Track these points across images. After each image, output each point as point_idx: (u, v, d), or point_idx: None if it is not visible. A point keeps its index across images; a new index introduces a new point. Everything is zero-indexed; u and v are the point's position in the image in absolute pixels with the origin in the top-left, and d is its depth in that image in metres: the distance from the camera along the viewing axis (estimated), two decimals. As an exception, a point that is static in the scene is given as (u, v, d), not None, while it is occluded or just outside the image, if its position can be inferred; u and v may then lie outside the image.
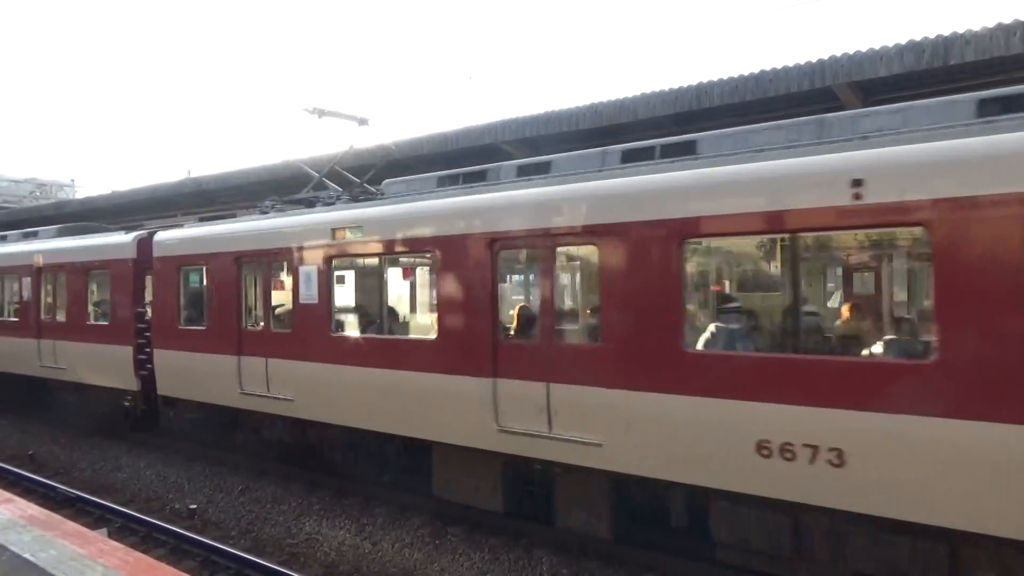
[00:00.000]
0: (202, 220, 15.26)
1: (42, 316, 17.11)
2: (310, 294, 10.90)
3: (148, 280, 14.79)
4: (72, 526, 6.66)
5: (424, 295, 11.96)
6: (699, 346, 7.63)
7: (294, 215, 11.82)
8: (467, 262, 9.09)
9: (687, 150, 8.08)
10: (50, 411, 17.49)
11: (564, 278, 9.61)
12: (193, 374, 13.00)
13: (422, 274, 12.11)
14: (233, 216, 16.34)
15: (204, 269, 12.97)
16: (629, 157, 8.54)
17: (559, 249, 8.64)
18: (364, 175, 13.07)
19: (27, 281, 17.50)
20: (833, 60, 10.32)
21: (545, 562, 8.85)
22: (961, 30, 9.43)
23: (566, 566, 8.73)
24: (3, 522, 6.38)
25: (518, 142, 14.04)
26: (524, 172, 9.51)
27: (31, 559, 5.38)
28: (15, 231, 20.18)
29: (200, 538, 9.93)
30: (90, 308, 16.04)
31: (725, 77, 11.33)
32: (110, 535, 8.01)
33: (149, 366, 14.08)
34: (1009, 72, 9.41)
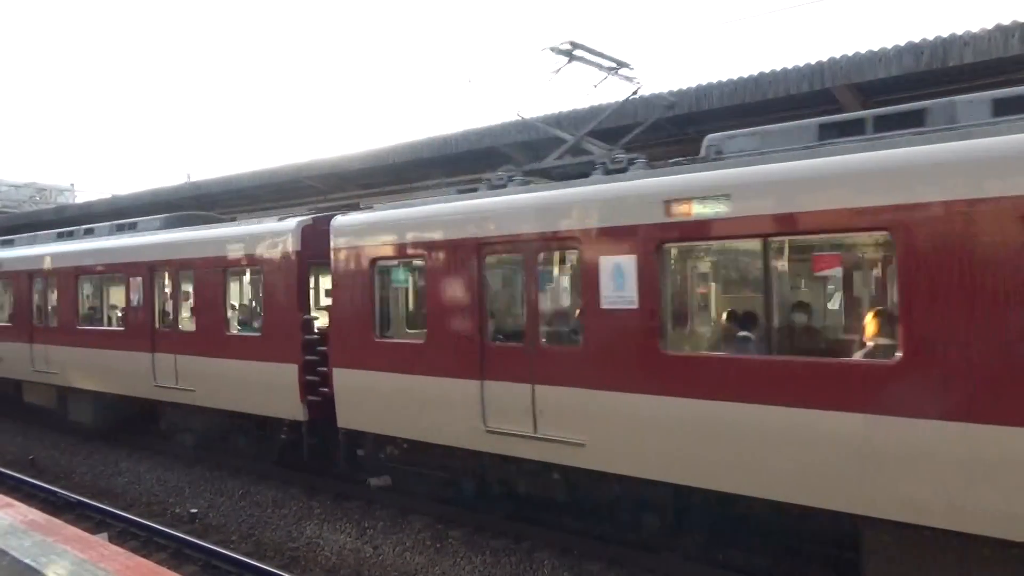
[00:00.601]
0: (386, 200, 11.84)
1: (157, 325, 14.00)
2: (622, 295, 7.88)
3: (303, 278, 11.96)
4: (73, 531, 6.64)
5: (868, 293, 8.00)
6: None
7: (567, 187, 8.71)
8: (974, 243, 5.94)
9: None
10: (52, 416, 17.40)
11: None
12: (402, 403, 9.95)
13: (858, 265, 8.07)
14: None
15: (419, 262, 10.03)
16: None
17: None
18: (615, 138, 10.39)
19: (136, 282, 14.28)
20: (832, 62, 10.32)
21: (547, 565, 8.85)
22: (960, 31, 9.44)
23: (568, 569, 8.73)
24: (3, 527, 6.36)
25: (517, 145, 14.05)
26: (1007, 108, 6.58)
27: (32, 564, 5.36)
28: (104, 223, 16.90)
29: (201, 542, 9.94)
30: (230, 315, 12.97)
31: (724, 79, 11.34)
32: (111, 540, 7.98)
33: (323, 390, 11.04)
34: (1008, 73, 9.41)
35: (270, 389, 11.73)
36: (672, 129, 12.51)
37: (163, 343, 13.72)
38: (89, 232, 16.81)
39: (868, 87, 10.44)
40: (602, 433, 8.04)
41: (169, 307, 13.90)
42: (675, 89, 11.79)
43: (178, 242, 13.80)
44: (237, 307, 13.47)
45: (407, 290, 10.86)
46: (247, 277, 13.38)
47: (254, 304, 13.20)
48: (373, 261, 10.38)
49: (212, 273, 12.85)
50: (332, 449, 11.42)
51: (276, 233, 11.96)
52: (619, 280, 7.92)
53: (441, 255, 9.55)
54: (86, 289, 16.31)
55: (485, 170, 15.17)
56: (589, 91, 11.34)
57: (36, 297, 17.27)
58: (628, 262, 7.83)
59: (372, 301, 10.38)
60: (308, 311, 11.72)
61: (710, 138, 8.38)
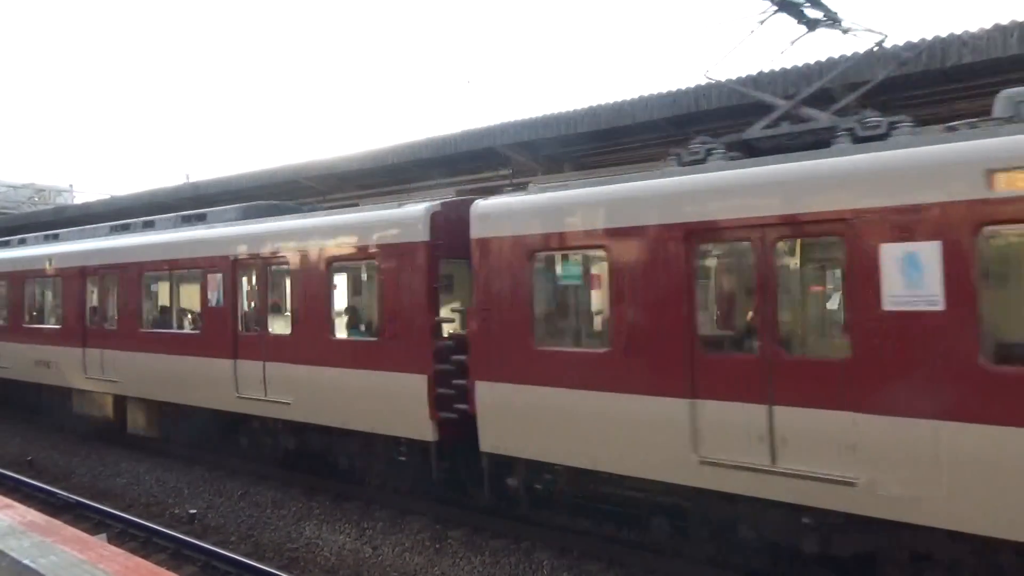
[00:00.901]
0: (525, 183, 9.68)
1: (241, 327, 12.32)
2: (918, 294, 6.23)
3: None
4: (72, 531, 6.64)
5: None
6: None
7: (819, 158, 6.94)
8: None
9: None
10: (49, 416, 17.34)
11: None
12: (572, 425, 8.32)
13: None
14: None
15: (598, 254, 8.38)
16: None
17: None
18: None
19: (216, 280, 12.53)
20: (831, 62, 10.33)
21: (546, 565, 8.85)
22: (959, 31, 9.45)
23: (567, 569, 8.73)
24: (2, 528, 6.36)
25: (517, 145, 14.09)
26: None
27: (31, 565, 5.35)
28: (165, 215, 15.31)
29: (200, 543, 9.93)
30: (334, 316, 11.23)
31: (723, 79, 11.34)
32: (110, 540, 7.99)
33: (459, 406, 9.45)
34: (1006, 73, 9.42)
35: (389, 403, 10.09)
36: (671, 129, 12.53)
37: (248, 348, 11.99)
38: (149, 225, 15.17)
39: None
40: (887, 469, 6.29)
41: (256, 307, 12.28)
42: (674, 89, 11.81)
43: (269, 233, 11.97)
44: (346, 308, 11.78)
45: (580, 288, 9.17)
46: (360, 273, 11.79)
47: (368, 304, 11.54)
48: (531, 253, 8.72)
49: (314, 268, 11.09)
50: (465, 475, 10.12)
51: (399, 221, 10.20)
52: (913, 273, 6.23)
53: (632, 245, 7.82)
54: (152, 287, 14.65)
55: (484, 171, 15.30)
56: (785, 50, 9.74)
57: (90, 297, 15.66)
58: (928, 251, 6.13)
59: (530, 301, 8.73)
60: (439, 312, 10.03)
61: (1011, 94, 6.66)
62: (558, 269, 9.13)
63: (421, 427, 9.80)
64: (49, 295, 17.51)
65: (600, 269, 8.47)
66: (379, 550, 9.67)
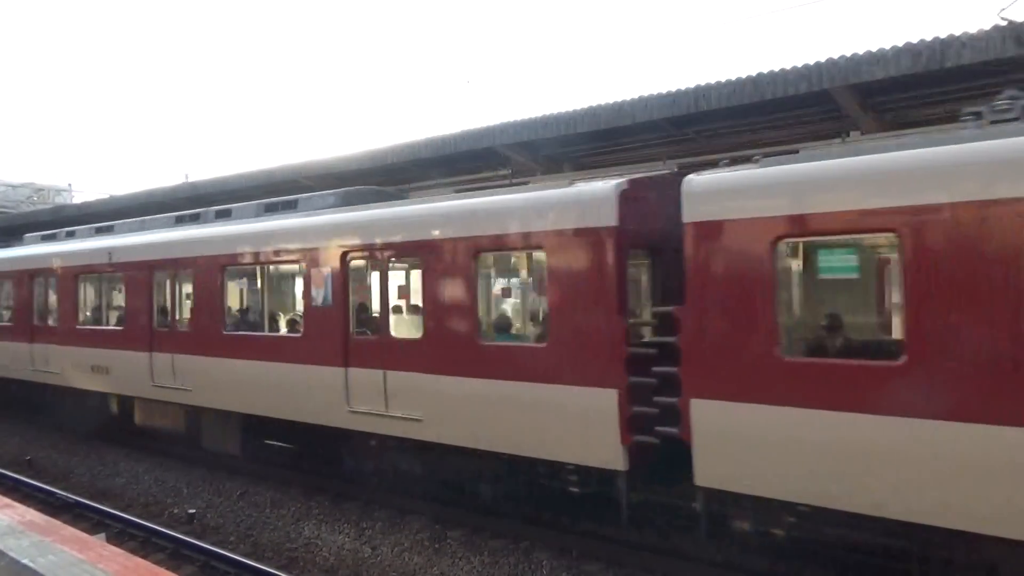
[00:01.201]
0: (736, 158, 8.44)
1: (353, 329, 10.72)
2: None
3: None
4: (71, 531, 6.65)
5: None
6: None
7: None
8: None
9: None
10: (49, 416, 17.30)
11: None
12: (838, 457, 6.54)
13: None
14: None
15: (887, 240, 6.80)
16: None
17: None
18: None
19: (322, 275, 10.84)
20: (831, 63, 10.33)
21: (545, 565, 8.86)
22: (958, 32, 9.46)
23: (566, 569, 8.74)
24: (2, 527, 6.36)
25: (516, 145, 14.08)
26: None
27: (30, 564, 5.36)
28: (243, 203, 13.67)
29: (199, 543, 9.95)
30: (481, 317, 9.52)
31: (723, 80, 11.35)
32: (109, 540, 8.01)
33: (661, 428, 7.78)
34: (1006, 74, 9.43)
35: (559, 423, 8.46)
36: (671, 129, 12.54)
37: (363, 355, 10.41)
38: (224, 215, 13.53)
39: (866, 88, 10.46)
40: None
41: (374, 307, 10.71)
42: (674, 89, 11.81)
43: (392, 219, 10.41)
44: (497, 307, 10.37)
45: (854, 283, 7.49)
46: (518, 264, 10.27)
47: (529, 303, 10.14)
48: (775, 239, 7.00)
49: (453, 260, 9.47)
50: (658, 509, 8.80)
51: (576, 203, 8.51)
52: None
53: (946, 227, 6.05)
54: (236, 284, 13.11)
55: (483, 170, 15.30)
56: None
57: (157, 295, 14.08)
58: None
59: (772, 300, 6.97)
60: (630, 314, 8.37)
61: None
62: (819, 259, 7.45)
63: (607, 453, 8.07)
64: (107, 293, 16.01)
65: (888, 258, 6.90)
66: (378, 550, 9.67)
